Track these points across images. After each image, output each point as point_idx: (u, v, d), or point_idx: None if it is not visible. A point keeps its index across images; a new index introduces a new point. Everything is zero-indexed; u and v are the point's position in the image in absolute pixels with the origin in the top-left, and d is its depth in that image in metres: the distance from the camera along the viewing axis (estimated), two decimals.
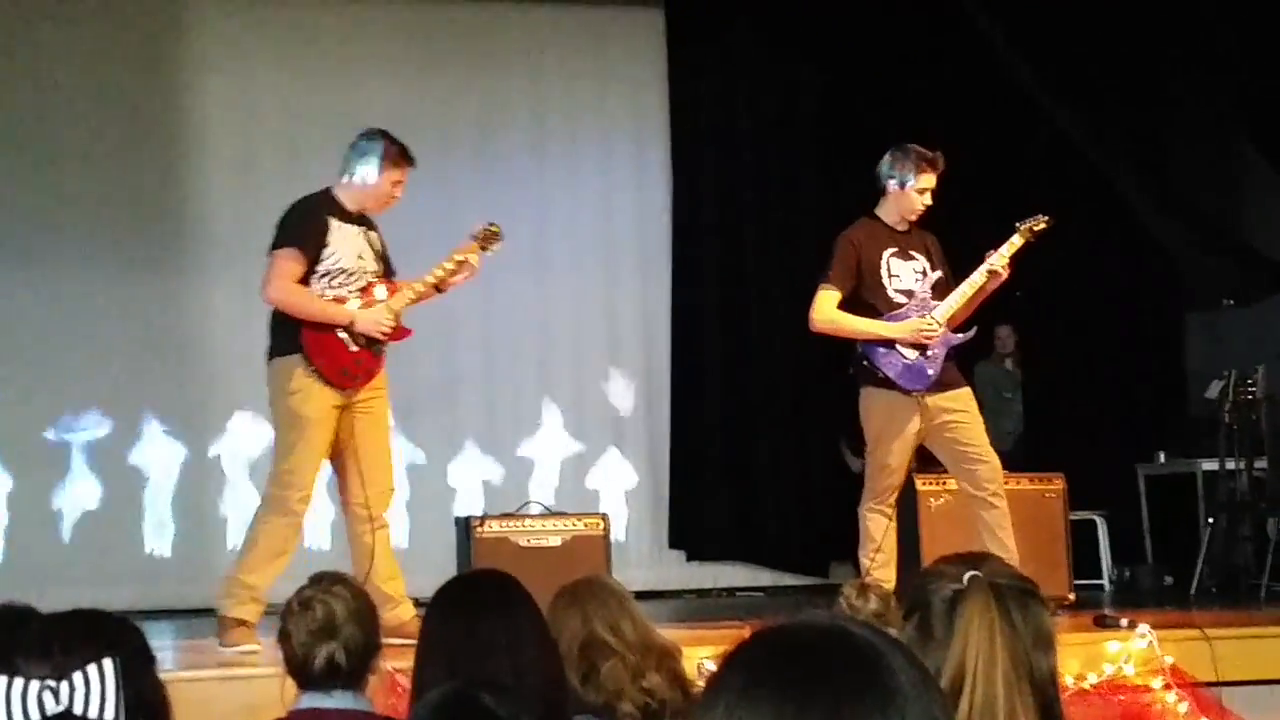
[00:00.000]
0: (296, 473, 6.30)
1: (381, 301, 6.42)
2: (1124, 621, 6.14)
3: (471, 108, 10.57)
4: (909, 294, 6.92)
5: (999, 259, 6.94)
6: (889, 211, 6.97)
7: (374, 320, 6.35)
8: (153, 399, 9.78)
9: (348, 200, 6.47)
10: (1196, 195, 10.25)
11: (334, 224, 6.38)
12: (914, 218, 6.97)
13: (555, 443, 10.60)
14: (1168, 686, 5.86)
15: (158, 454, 9.82)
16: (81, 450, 9.68)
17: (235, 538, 9.64)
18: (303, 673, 3.43)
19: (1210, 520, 8.99)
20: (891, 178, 6.92)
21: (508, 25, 10.68)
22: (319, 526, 9.39)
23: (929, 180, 6.89)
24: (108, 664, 2.05)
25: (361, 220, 6.51)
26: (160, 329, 9.86)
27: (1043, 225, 7.03)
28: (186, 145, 10.03)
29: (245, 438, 9.82)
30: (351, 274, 6.40)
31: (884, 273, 6.90)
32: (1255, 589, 8.42)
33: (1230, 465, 9.07)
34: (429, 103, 10.42)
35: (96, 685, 2.03)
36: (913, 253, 6.98)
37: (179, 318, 9.94)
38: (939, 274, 6.98)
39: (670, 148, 10.89)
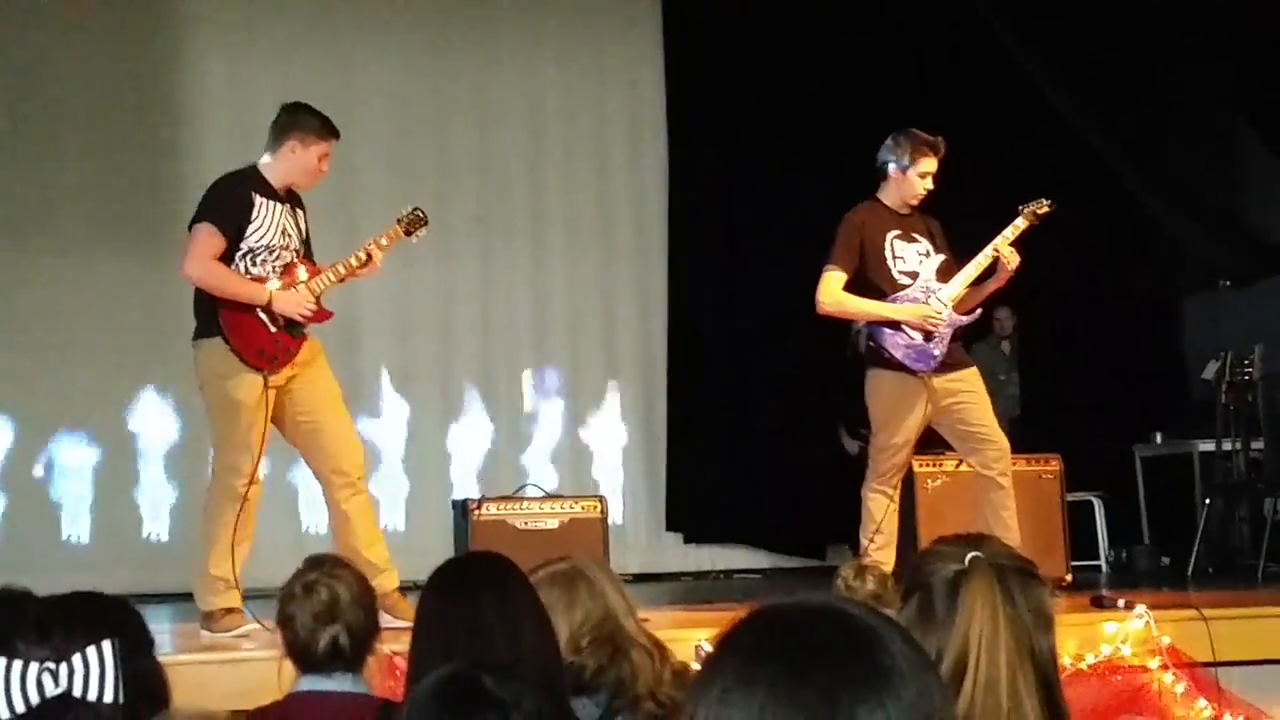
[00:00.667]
0: (238, 459, 6.20)
1: (302, 282, 6.31)
2: (1121, 602, 6.14)
3: (467, 96, 10.55)
4: (913, 275, 6.92)
5: (1002, 241, 6.94)
6: (890, 195, 6.98)
7: (294, 302, 6.25)
8: (149, 381, 9.77)
9: (273, 177, 6.37)
10: (1194, 178, 10.25)
11: (259, 200, 6.26)
12: (915, 202, 6.97)
13: (553, 425, 10.60)
14: (1164, 667, 5.87)
15: (154, 437, 9.81)
16: (77, 433, 9.67)
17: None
18: (305, 656, 3.44)
19: (1207, 501, 9.00)
20: (892, 161, 6.93)
21: (503, 12, 10.66)
22: (314, 513, 9.42)
23: (930, 164, 6.89)
24: (107, 646, 2.05)
25: (289, 198, 6.42)
26: (155, 311, 9.83)
27: (1046, 208, 7.03)
28: (183, 131, 10.01)
29: None
30: (274, 252, 6.29)
31: (888, 254, 6.90)
32: (1252, 569, 8.43)
33: (1227, 446, 9.09)
34: (426, 93, 10.41)
35: (96, 667, 2.03)
36: (915, 235, 6.99)
37: (175, 299, 9.90)
38: (943, 256, 6.98)
39: (667, 130, 10.89)
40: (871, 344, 6.87)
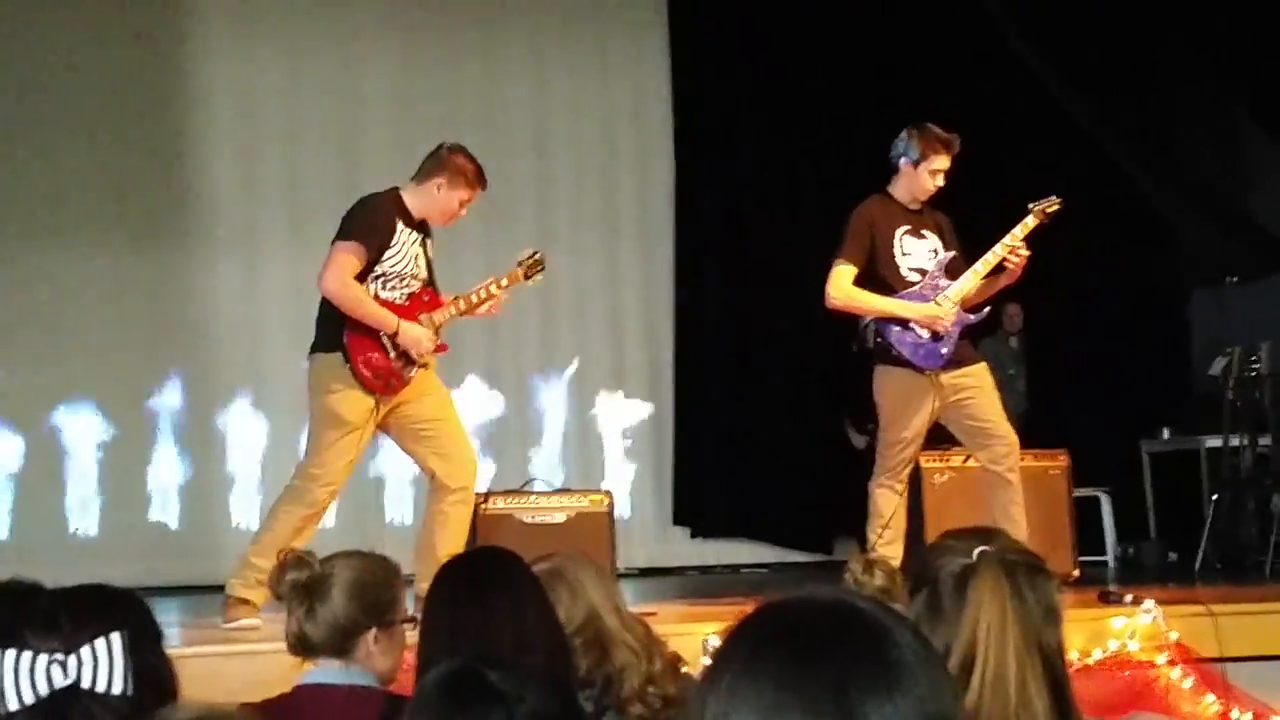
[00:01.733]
0: (325, 470, 6.32)
1: (427, 314, 6.44)
2: (1128, 598, 6.14)
3: (473, 93, 10.55)
4: (922, 271, 6.91)
5: (1012, 239, 6.93)
6: (901, 189, 6.96)
7: (416, 338, 6.35)
8: (157, 375, 9.78)
9: (413, 206, 6.46)
10: (1202, 173, 10.24)
11: (400, 226, 6.37)
12: (924, 198, 6.96)
13: (559, 420, 10.60)
14: (1172, 662, 5.86)
15: (161, 430, 9.82)
16: (85, 427, 9.68)
17: (239, 513, 9.69)
18: (291, 643, 3.46)
19: (1214, 497, 9.00)
20: (905, 156, 6.91)
21: (509, 10, 10.66)
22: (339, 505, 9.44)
23: (943, 162, 6.87)
24: (116, 638, 2.05)
25: (421, 227, 6.52)
26: (163, 307, 9.86)
27: (1055, 206, 7.02)
28: (187, 124, 10.02)
29: (249, 414, 9.83)
30: (404, 279, 6.40)
31: (897, 250, 6.89)
32: (1259, 565, 8.43)
33: (1234, 442, 9.09)
34: (431, 88, 10.41)
35: (105, 659, 2.03)
36: (925, 231, 6.98)
37: (182, 295, 9.94)
38: (952, 253, 6.97)
39: (673, 126, 10.89)
40: (880, 340, 6.86)
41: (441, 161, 6.51)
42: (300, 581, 3.42)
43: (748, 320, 10.66)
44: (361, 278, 6.30)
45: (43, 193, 9.71)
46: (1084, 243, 10.03)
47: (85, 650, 2.02)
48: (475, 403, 10.36)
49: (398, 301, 6.38)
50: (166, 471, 9.82)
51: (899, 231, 6.91)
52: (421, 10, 10.48)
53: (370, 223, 6.34)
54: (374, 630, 3.43)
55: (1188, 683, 5.84)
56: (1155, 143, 10.14)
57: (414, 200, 6.47)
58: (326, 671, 3.42)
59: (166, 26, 10.02)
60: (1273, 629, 6.17)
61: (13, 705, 2.00)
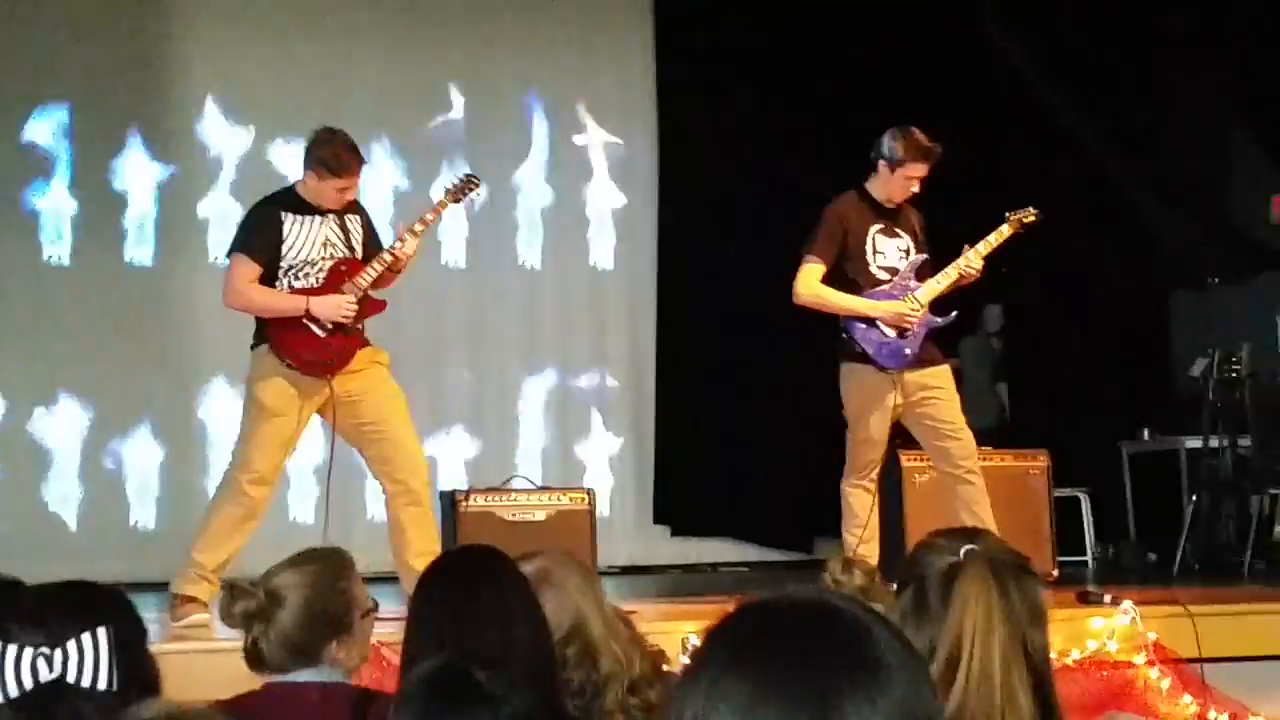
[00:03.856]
0: (249, 456, 6.39)
1: (347, 282, 6.46)
2: (1107, 598, 6.15)
3: (458, 76, 10.54)
4: (892, 271, 6.93)
5: (985, 245, 6.96)
6: (877, 187, 6.98)
7: (333, 305, 6.40)
8: (135, 371, 9.75)
9: (306, 195, 6.55)
10: (1184, 174, 10.26)
11: (289, 219, 6.45)
12: (900, 200, 6.97)
13: (540, 417, 10.59)
14: (1151, 663, 5.88)
15: (142, 426, 9.79)
16: (65, 423, 9.65)
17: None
18: (250, 660, 3.42)
19: (1194, 498, 9.02)
20: (884, 157, 6.92)
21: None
22: (303, 502, 9.41)
23: (918, 170, 6.89)
24: (102, 633, 2.04)
25: (330, 211, 6.55)
26: (141, 302, 9.83)
27: (1032, 218, 7.05)
28: (174, 106, 10.00)
29: (227, 409, 9.79)
30: (314, 264, 6.46)
31: (869, 249, 6.91)
32: (1238, 566, 8.45)
33: (1214, 443, 9.11)
34: (415, 76, 10.40)
35: (90, 654, 2.03)
36: (899, 230, 7.00)
37: (161, 292, 9.91)
38: (924, 256, 6.99)
39: (657, 120, 10.88)
40: (844, 336, 6.89)
41: (309, 154, 6.56)
42: (250, 611, 3.39)
43: (731, 319, 10.65)
44: (271, 279, 6.41)
45: (21, 188, 9.69)
46: (1065, 243, 10.03)
47: (71, 644, 2.02)
48: (456, 400, 10.36)
49: (314, 286, 6.44)
50: (145, 467, 9.79)
51: (872, 230, 6.93)
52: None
53: (252, 227, 6.52)
54: (333, 640, 3.40)
55: (1166, 683, 5.86)
56: (1138, 144, 10.16)
57: (305, 190, 6.56)
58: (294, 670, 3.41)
59: (151, 16, 9.98)
60: (1250, 630, 6.19)
61: None
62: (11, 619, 2.04)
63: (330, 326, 6.39)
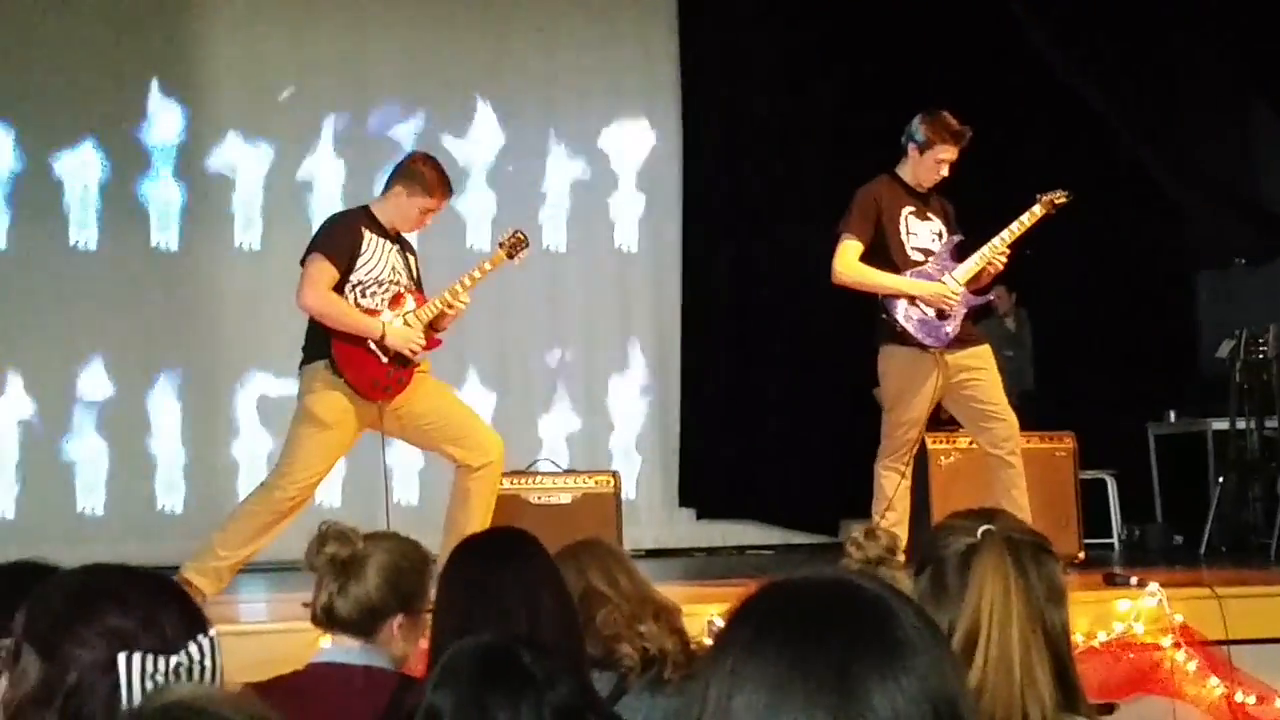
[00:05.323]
0: (296, 466, 6.40)
1: (410, 311, 6.49)
2: (1134, 580, 6.14)
3: (481, 60, 10.54)
4: (926, 252, 6.93)
5: (1019, 225, 6.96)
6: (908, 172, 6.99)
7: (405, 338, 6.42)
8: (164, 353, 9.78)
9: (381, 216, 6.55)
10: (1208, 154, 10.21)
11: (368, 235, 6.45)
12: (929, 184, 6.98)
13: (566, 401, 10.60)
14: (1177, 645, 5.87)
15: (169, 409, 9.82)
16: (92, 405, 9.69)
17: (246, 493, 9.70)
18: (316, 615, 3.46)
19: (1220, 480, 9.00)
20: (914, 140, 6.93)
21: None
22: (331, 484, 9.44)
23: (948, 152, 6.89)
24: (206, 641, 2.03)
25: (398, 239, 6.59)
26: (171, 285, 9.87)
27: (1063, 200, 7.05)
28: (197, 100, 10.02)
29: (256, 393, 9.84)
30: (384, 285, 6.47)
31: (902, 229, 6.92)
32: (1265, 548, 8.42)
33: (1241, 425, 9.08)
34: (438, 66, 10.41)
35: (210, 658, 2.01)
36: (930, 214, 7.00)
37: (191, 273, 9.95)
38: (958, 237, 6.99)
39: (681, 110, 10.87)
40: (884, 317, 6.88)
41: (404, 169, 6.61)
42: (339, 557, 3.42)
43: (756, 302, 10.65)
44: (339, 289, 6.38)
45: (52, 176, 9.72)
46: (1091, 225, 10.00)
47: (193, 647, 2.00)
48: (483, 384, 10.37)
49: (379, 309, 6.45)
50: (171, 450, 9.83)
51: (904, 211, 6.93)
52: None
53: (335, 234, 6.47)
54: (400, 615, 3.44)
55: (1192, 665, 5.85)
56: (1164, 124, 10.11)
57: (381, 210, 6.57)
58: (342, 650, 3.43)
59: (173, 4, 10.00)
60: (1277, 612, 6.17)
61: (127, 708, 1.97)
62: (125, 621, 2.01)
63: (393, 354, 6.41)
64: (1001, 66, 10.28)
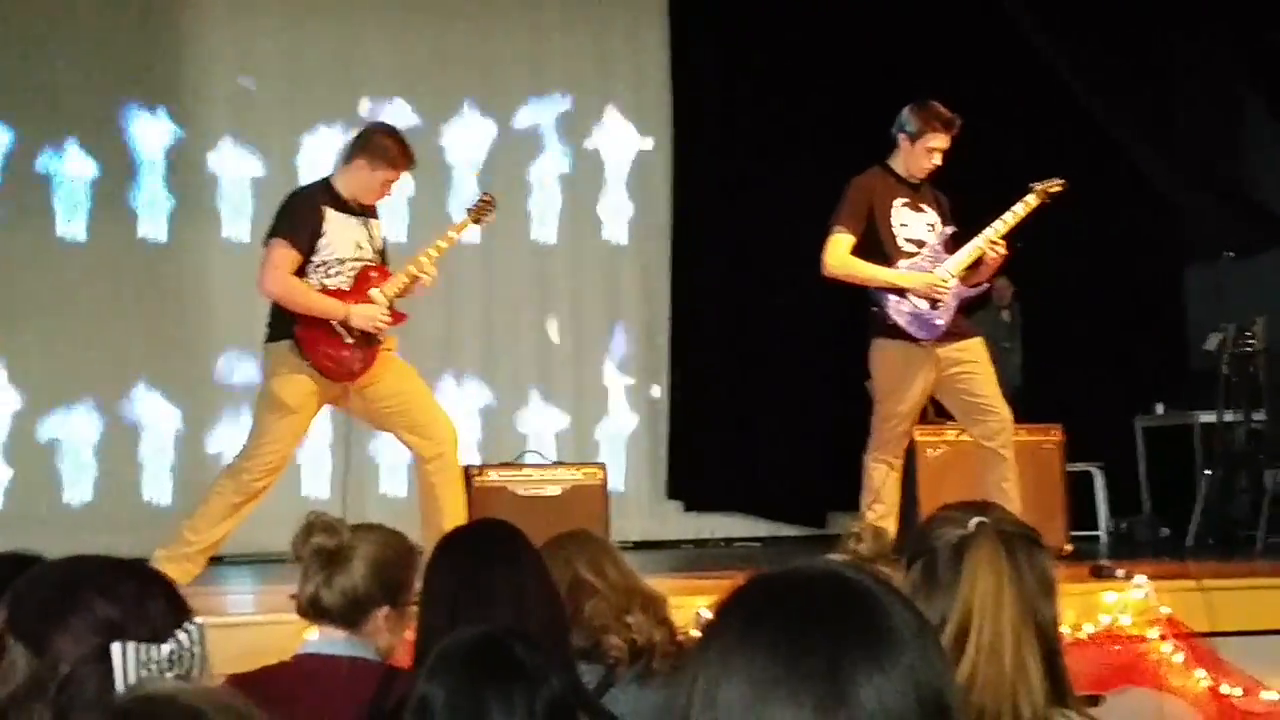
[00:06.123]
0: (263, 448, 6.43)
1: (376, 288, 6.48)
2: (1120, 572, 6.16)
3: (469, 49, 10.53)
4: (918, 244, 6.92)
5: (1013, 215, 6.95)
6: (899, 163, 6.98)
7: (369, 316, 6.42)
8: (151, 345, 9.77)
9: (343, 189, 6.52)
10: (1198, 146, 10.22)
11: (329, 214, 6.43)
12: (921, 174, 6.96)
13: (553, 392, 10.60)
14: (1164, 637, 5.88)
15: (154, 400, 9.81)
16: (80, 396, 9.68)
17: None
18: (302, 605, 3.46)
19: (1207, 472, 9.01)
20: (905, 131, 6.92)
21: None
22: (316, 478, 9.44)
23: (940, 141, 6.88)
24: (194, 627, 2.02)
25: (362, 210, 6.56)
26: (159, 277, 9.85)
27: (1058, 187, 7.05)
28: (187, 92, 10.00)
29: (241, 384, 9.82)
30: (345, 263, 6.46)
31: (894, 220, 6.91)
32: (1251, 540, 8.43)
33: (1228, 417, 9.09)
34: (427, 58, 10.39)
35: (198, 646, 2.01)
36: (923, 206, 6.99)
37: (177, 266, 9.93)
38: (952, 229, 6.98)
39: (672, 104, 10.86)
40: (875, 310, 6.87)
41: (365, 142, 6.57)
42: (326, 548, 3.42)
43: (744, 294, 10.65)
44: (302, 271, 6.37)
45: (42, 168, 9.71)
46: (1079, 217, 9.99)
47: (183, 635, 2.00)
48: (470, 375, 10.36)
49: (344, 287, 6.44)
50: (159, 441, 9.82)
51: (896, 203, 6.92)
52: None
53: (295, 216, 6.43)
54: (386, 607, 3.44)
55: (1179, 657, 5.86)
56: (1154, 116, 10.11)
57: (342, 182, 6.54)
58: (327, 642, 3.43)
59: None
60: (1264, 604, 6.19)
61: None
62: (132, 619, 1.99)
63: (358, 335, 6.41)
64: (993, 60, 10.29)
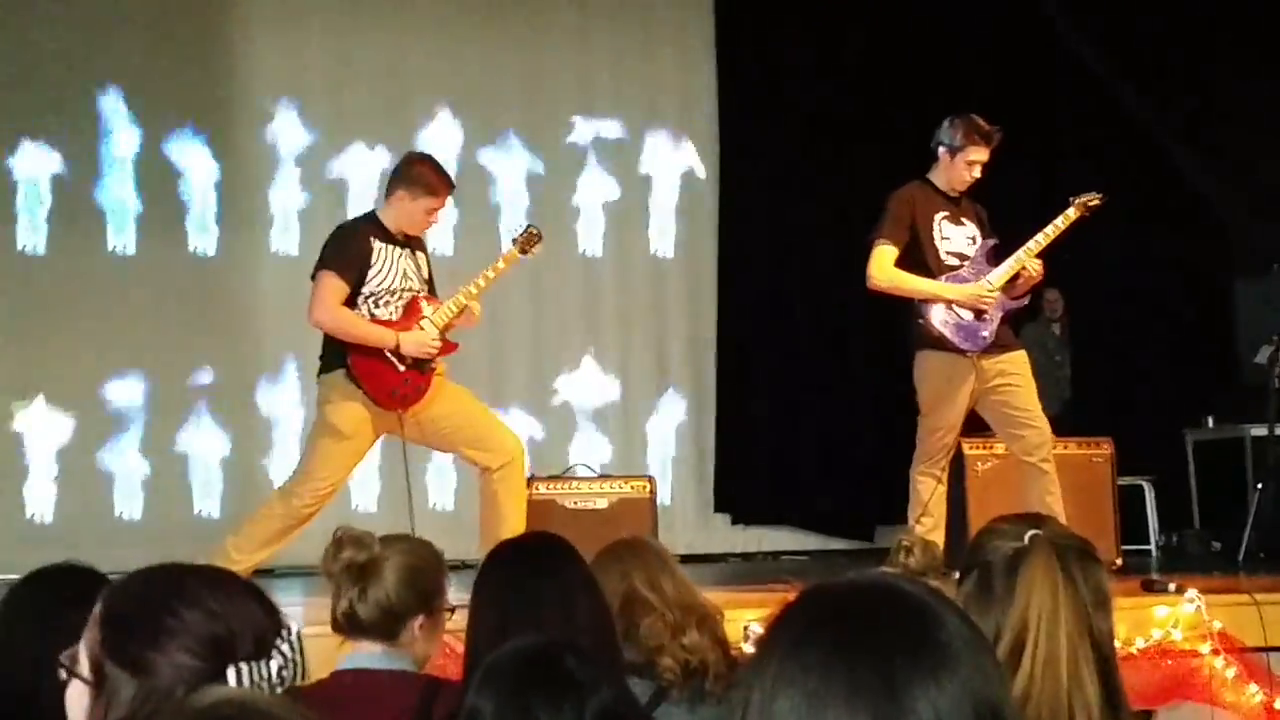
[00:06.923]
0: (312, 476, 6.49)
1: (425, 317, 6.53)
2: (1172, 586, 6.11)
3: (517, 65, 10.55)
4: (960, 256, 6.92)
5: (1054, 229, 6.94)
6: (939, 177, 6.98)
7: (420, 343, 6.47)
8: (199, 359, 9.82)
9: (388, 222, 6.57)
10: (1247, 160, 10.16)
11: (377, 245, 6.49)
12: (962, 187, 6.97)
13: (602, 405, 10.60)
14: (1215, 651, 5.84)
15: (204, 414, 9.86)
16: (130, 410, 9.73)
17: None
18: (335, 619, 3.47)
19: (1259, 486, 8.94)
20: (944, 144, 6.93)
21: None
22: (364, 491, 9.46)
23: (980, 154, 6.88)
24: (295, 633, 2.00)
25: (408, 242, 6.61)
26: (207, 290, 9.90)
27: (1097, 201, 7.03)
28: (235, 99, 10.05)
29: (291, 398, 9.86)
30: (395, 294, 6.51)
31: (936, 234, 6.91)
32: None
33: (1279, 431, 9.02)
34: (474, 66, 10.42)
35: (297, 655, 1.98)
36: (964, 219, 6.99)
37: (225, 279, 9.98)
38: (994, 240, 6.98)
39: (718, 112, 10.86)
40: (920, 322, 6.86)
41: (402, 174, 6.63)
42: (357, 562, 3.43)
43: (791, 309, 10.64)
44: (351, 302, 6.42)
45: (84, 176, 9.78)
46: (1129, 230, 9.98)
47: (284, 645, 1.97)
48: (519, 390, 10.38)
49: (393, 317, 6.48)
50: (209, 455, 9.86)
51: (938, 216, 6.92)
52: None
53: (344, 248, 6.49)
54: (421, 616, 3.45)
55: (1231, 672, 5.82)
56: (1200, 130, 10.06)
57: (387, 216, 6.59)
58: (365, 656, 3.44)
59: (214, 5, 10.05)
60: None
61: None
62: (217, 627, 1.94)
63: (410, 362, 6.45)
64: (1042, 71, 10.27)
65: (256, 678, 1.88)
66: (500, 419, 7.01)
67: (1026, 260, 6.91)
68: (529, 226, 6.96)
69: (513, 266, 6.91)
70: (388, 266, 6.49)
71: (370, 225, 6.57)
